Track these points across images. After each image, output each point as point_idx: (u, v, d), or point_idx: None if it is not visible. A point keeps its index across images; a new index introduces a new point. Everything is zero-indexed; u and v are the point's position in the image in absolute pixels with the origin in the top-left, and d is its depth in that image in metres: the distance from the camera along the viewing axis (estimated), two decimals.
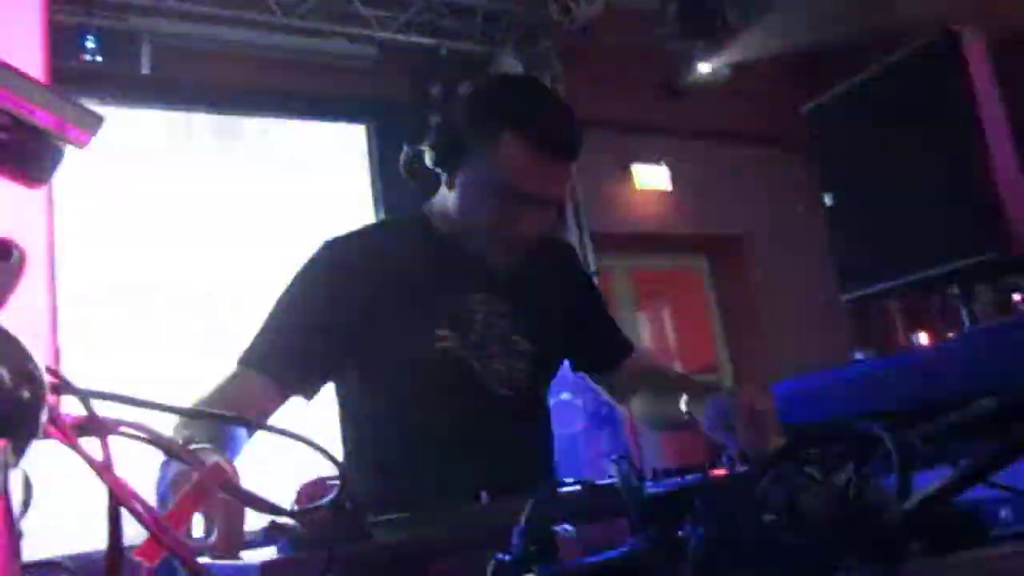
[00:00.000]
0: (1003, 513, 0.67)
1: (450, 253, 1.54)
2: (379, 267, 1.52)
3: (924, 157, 1.60)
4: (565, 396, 4.80)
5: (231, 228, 4.55)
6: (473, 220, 1.49)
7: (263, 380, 1.39)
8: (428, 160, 1.50)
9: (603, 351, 1.76)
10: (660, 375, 1.74)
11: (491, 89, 1.56)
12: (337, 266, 1.51)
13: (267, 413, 1.39)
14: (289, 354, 1.42)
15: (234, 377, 1.40)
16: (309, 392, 1.45)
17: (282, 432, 0.72)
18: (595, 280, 5.11)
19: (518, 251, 1.52)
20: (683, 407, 1.47)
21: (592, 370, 1.78)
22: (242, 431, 1.29)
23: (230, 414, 1.18)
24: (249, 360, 1.42)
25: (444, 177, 1.51)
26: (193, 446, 1.03)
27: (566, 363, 1.74)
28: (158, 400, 0.65)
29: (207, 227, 4.50)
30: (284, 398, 1.41)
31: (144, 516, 0.54)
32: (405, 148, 1.58)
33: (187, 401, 1.31)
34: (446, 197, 1.54)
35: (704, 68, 5.54)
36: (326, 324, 1.45)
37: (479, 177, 1.46)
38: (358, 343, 1.47)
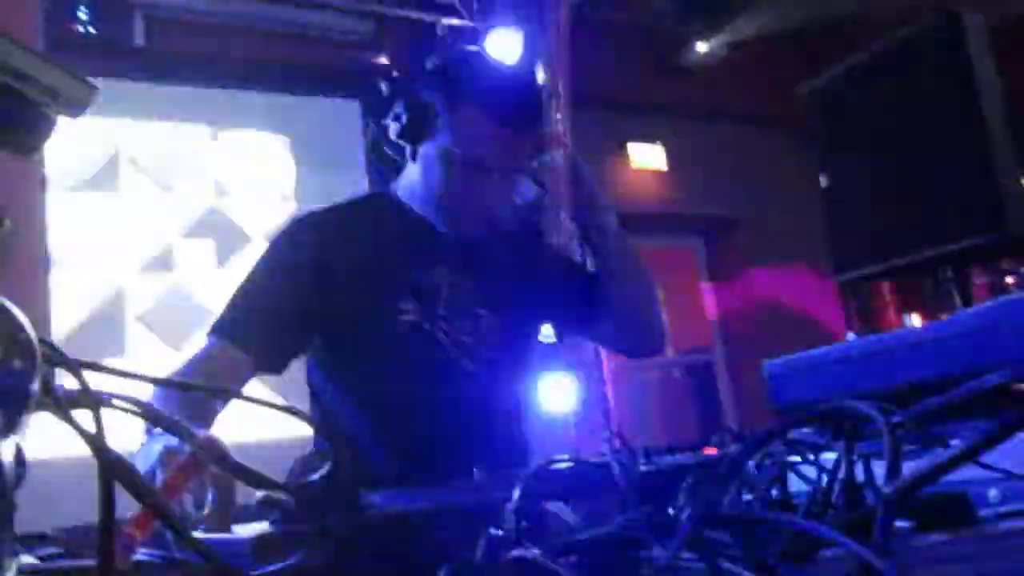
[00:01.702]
0: (991, 493, 0.67)
1: (414, 227, 1.56)
2: (345, 243, 1.53)
3: (922, 139, 1.60)
4: (557, 375, 4.82)
5: (224, 198, 4.54)
6: (436, 192, 1.51)
7: (237, 352, 1.41)
8: (391, 133, 1.52)
9: (585, 309, 1.72)
10: None
11: (451, 62, 1.58)
12: (305, 242, 1.53)
13: (242, 385, 1.40)
14: (261, 327, 1.44)
15: (209, 349, 1.42)
16: (280, 366, 1.47)
17: (273, 406, 0.72)
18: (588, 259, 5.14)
19: (483, 223, 1.54)
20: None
21: (579, 330, 1.79)
22: (218, 403, 1.29)
23: (230, 387, 1.18)
24: (222, 331, 1.43)
25: (408, 150, 1.53)
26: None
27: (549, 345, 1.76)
28: (151, 373, 0.65)
29: (201, 203, 4.49)
30: (256, 370, 1.42)
31: (138, 488, 0.54)
32: (371, 126, 1.62)
33: (163, 373, 1.32)
34: (411, 172, 1.56)
35: (702, 47, 5.52)
36: (295, 299, 1.47)
37: (440, 149, 1.48)
38: (325, 319, 1.48)
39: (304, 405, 1.57)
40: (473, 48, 2.26)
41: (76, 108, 0.53)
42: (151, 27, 4.39)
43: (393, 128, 1.52)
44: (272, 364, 1.45)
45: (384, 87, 4.37)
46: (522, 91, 1.53)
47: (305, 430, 0.80)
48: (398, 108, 1.51)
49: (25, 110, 0.50)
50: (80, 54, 4.07)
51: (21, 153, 0.51)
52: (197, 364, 1.39)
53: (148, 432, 1.08)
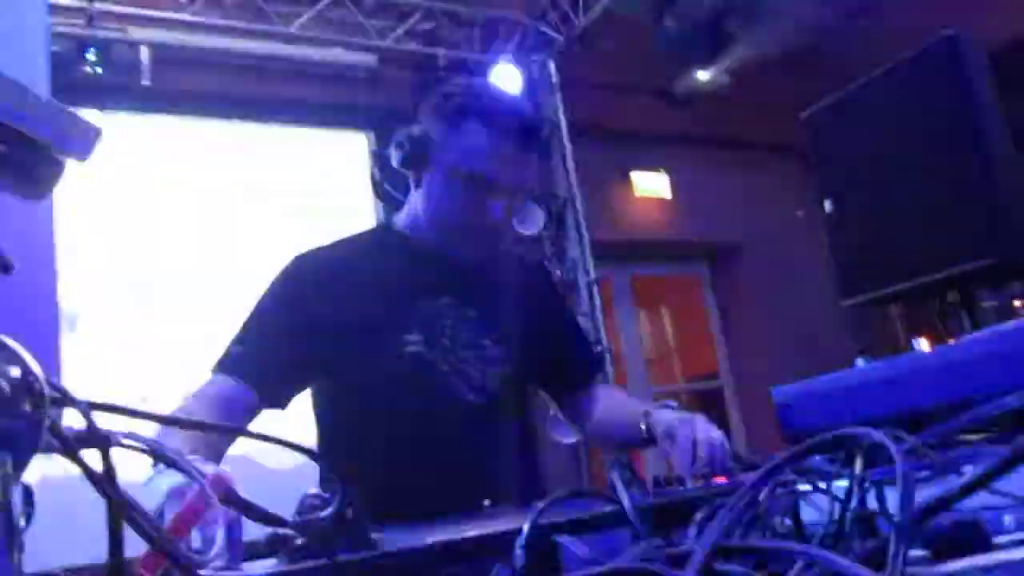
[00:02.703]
0: (1007, 520, 0.67)
1: (417, 258, 1.56)
2: (348, 277, 1.54)
3: (924, 162, 1.60)
4: None
5: (231, 232, 4.57)
6: (441, 214, 1.52)
7: (243, 388, 1.40)
8: (395, 162, 1.52)
9: (576, 370, 1.77)
10: (615, 397, 1.77)
11: (452, 87, 1.60)
12: (307, 278, 1.53)
13: (247, 421, 1.40)
14: (265, 364, 1.44)
15: (214, 386, 1.41)
16: (284, 402, 1.46)
17: (280, 442, 0.72)
18: (594, 287, 5.14)
19: (486, 246, 1.55)
20: (642, 427, 1.48)
21: (563, 389, 1.77)
22: (224, 439, 1.29)
23: (240, 428, 1.18)
24: (228, 367, 1.43)
25: (411, 177, 1.54)
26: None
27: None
28: (159, 412, 0.65)
29: (208, 230, 4.52)
30: (261, 407, 1.42)
31: (146, 528, 0.54)
32: (371, 163, 1.63)
33: (167, 408, 1.32)
34: (413, 201, 1.57)
35: (703, 75, 5.56)
36: (298, 335, 1.46)
37: (445, 169, 1.49)
38: (331, 353, 1.48)
39: (309, 436, 1.57)
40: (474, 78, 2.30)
41: (83, 151, 0.54)
42: (157, 66, 4.44)
43: (396, 156, 1.53)
44: (277, 400, 1.45)
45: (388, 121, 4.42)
46: (523, 107, 1.58)
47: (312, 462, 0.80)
48: (400, 136, 1.52)
49: (34, 155, 0.51)
50: (88, 95, 4.12)
51: (31, 197, 0.52)
52: (203, 400, 1.38)
53: (154, 467, 1.07)
